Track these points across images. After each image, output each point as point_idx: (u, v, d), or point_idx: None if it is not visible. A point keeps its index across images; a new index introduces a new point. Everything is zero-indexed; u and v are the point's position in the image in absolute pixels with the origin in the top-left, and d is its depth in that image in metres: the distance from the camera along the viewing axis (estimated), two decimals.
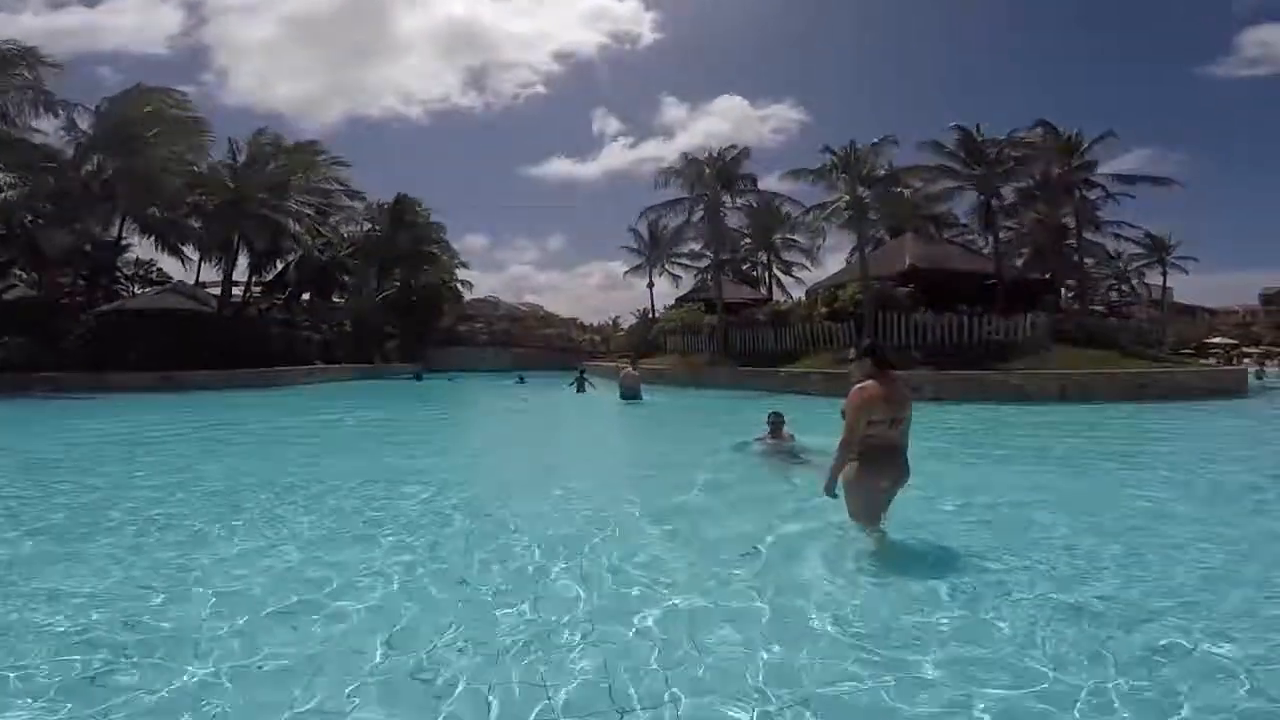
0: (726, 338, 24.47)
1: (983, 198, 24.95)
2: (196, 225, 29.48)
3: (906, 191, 23.42)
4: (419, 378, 32.54)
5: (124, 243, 36.28)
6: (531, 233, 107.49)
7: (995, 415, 13.33)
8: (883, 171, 22.81)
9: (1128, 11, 74.07)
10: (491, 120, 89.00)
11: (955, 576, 3.62)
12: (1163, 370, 18.21)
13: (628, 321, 54.20)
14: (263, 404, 16.80)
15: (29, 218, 23.65)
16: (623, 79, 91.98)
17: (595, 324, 63.22)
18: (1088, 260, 34.21)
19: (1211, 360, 33.06)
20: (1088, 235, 31.18)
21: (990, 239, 25.16)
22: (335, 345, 35.73)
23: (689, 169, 26.48)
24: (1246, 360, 34.84)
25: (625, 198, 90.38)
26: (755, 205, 28.30)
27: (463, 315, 50.38)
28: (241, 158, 27.91)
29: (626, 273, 38.65)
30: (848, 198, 21.36)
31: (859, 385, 3.85)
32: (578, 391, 20.54)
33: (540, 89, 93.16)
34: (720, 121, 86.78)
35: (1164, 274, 45.64)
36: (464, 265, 48.16)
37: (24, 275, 26.89)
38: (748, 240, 35.99)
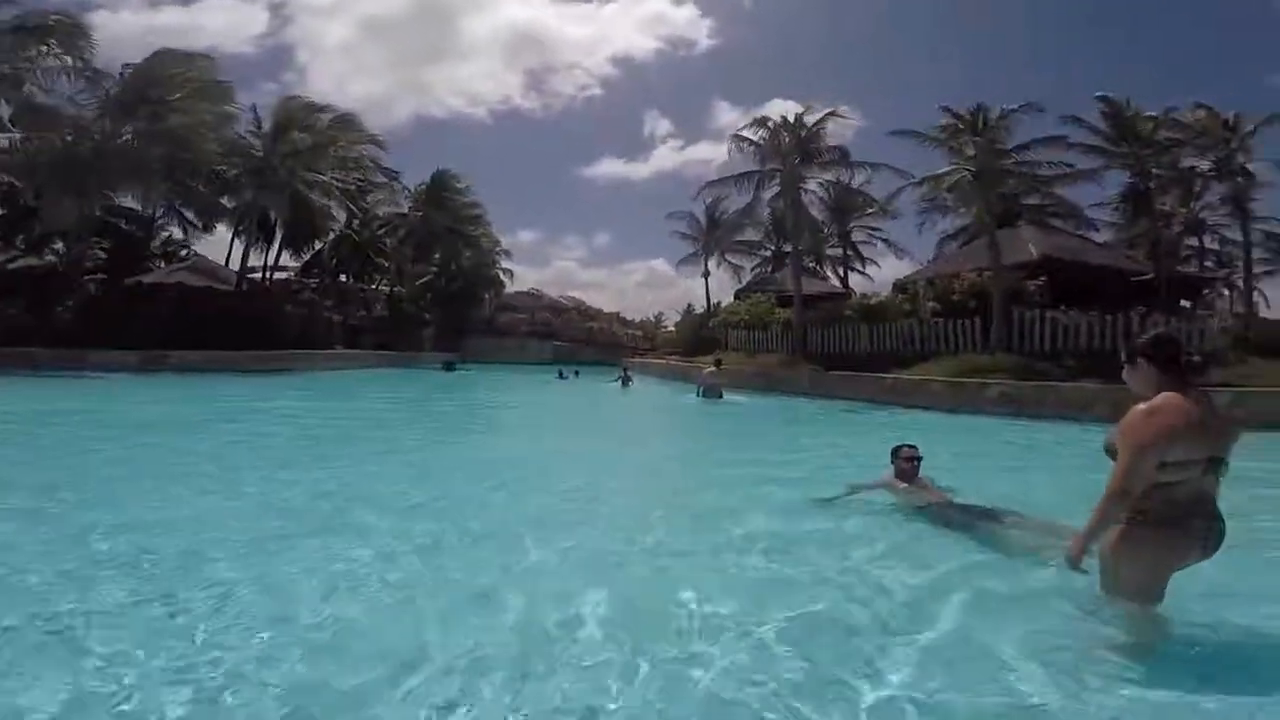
0: (806, 335, 20.54)
1: (1134, 180, 20.44)
2: (223, 201, 27.33)
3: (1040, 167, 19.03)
4: (450, 368, 29.62)
5: (159, 220, 34.96)
6: (580, 230, 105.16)
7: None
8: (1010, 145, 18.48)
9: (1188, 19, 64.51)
10: (549, 121, 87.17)
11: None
12: None
13: (671, 319, 51.34)
14: (227, 392, 13.86)
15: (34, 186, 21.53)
16: (676, 83, 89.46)
17: (637, 320, 60.29)
18: (1208, 262, 29.36)
19: None
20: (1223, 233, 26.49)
21: (1151, 227, 20.57)
22: (367, 331, 33.28)
23: (767, 138, 22.57)
24: None
25: (673, 198, 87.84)
26: (838, 180, 24.17)
27: (504, 305, 47.94)
28: (267, 125, 25.32)
29: (682, 260, 35.10)
30: (972, 168, 17.16)
31: (1149, 407, 2.38)
32: (622, 387, 19.59)
33: (596, 91, 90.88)
34: None
35: None
36: (506, 254, 45.66)
37: (24, 245, 24.69)
38: (826, 226, 31.82)
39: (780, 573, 3.59)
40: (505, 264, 45.56)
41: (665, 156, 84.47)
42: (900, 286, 22.22)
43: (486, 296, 45.30)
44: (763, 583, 3.42)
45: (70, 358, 17.11)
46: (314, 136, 25.92)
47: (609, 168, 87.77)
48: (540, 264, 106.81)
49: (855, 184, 26.92)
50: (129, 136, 22.50)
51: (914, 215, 25.75)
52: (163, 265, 33.26)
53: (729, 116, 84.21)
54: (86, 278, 24.94)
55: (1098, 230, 29.44)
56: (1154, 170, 20.53)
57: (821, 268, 34.47)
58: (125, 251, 29.42)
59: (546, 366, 31.14)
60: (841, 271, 34.04)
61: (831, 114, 23.23)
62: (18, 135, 21.63)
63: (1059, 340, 15.40)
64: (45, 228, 22.06)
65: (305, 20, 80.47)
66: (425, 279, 40.76)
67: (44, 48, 20.60)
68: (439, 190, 36.08)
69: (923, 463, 4.99)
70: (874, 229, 33.78)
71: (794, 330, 21.02)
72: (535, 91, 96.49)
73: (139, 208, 32.22)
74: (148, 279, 25.30)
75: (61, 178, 21.19)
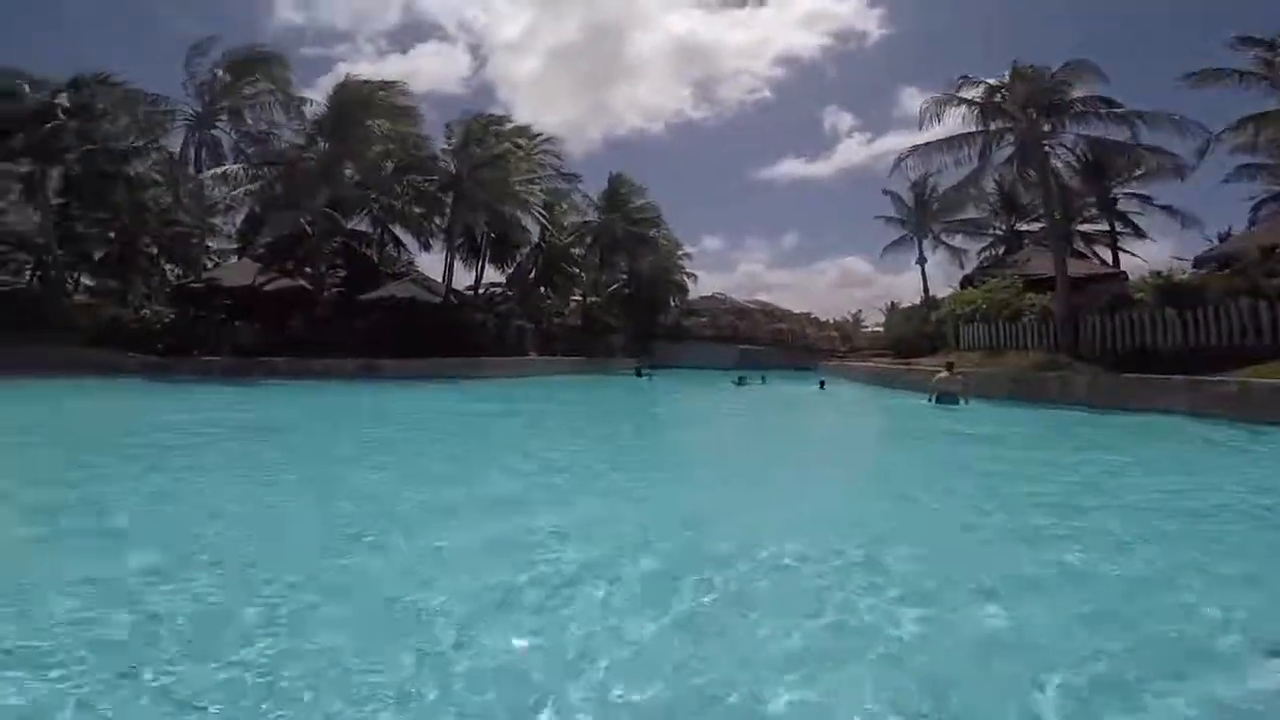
0: (1077, 328, 15.98)
1: None
2: (437, 222, 29.36)
3: None
4: (640, 373, 28.77)
5: (388, 243, 39.09)
6: (764, 233, 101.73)
7: None
8: None
9: None
10: (722, 128, 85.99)
11: None
12: None
13: (873, 318, 46.91)
14: (417, 396, 13.67)
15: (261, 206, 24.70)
16: (853, 76, 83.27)
17: (832, 321, 55.76)
18: None
19: None
20: None
21: None
22: (559, 338, 33.88)
23: (984, 96, 18.31)
24: None
25: (864, 193, 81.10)
26: (1100, 138, 18.88)
27: (689, 310, 47.01)
28: (455, 140, 26.54)
29: (888, 247, 31.06)
30: None
31: None
32: (820, 388, 20.17)
33: (766, 94, 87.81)
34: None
35: None
36: (687, 256, 44.69)
37: (291, 268, 28.06)
38: (1080, 195, 25.86)
39: None
40: (688, 268, 44.65)
41: (851, 151, 78.97)
42: (1223, 260, 16.47)
43: (672, 302, 44.71)
44: None
45: (299, 367, 18.63)
46: (496, 148, 26.68)
47: (789, 168, 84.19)
48: (726, 269, 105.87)
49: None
50: (324, 153, 24.63)
51: (1206, 177, 19.26)
52: (388, 283, 37.01)
53: (918, 102, 75.86)
54: (327, 295, 28.03)
55: None
56: None
57: (1072, 244, 28.04)
58: (360, 271, 32.95)
59: (732, 371, 29.14)
60: (1104, 249, 27.43)
61: (1076, 63, 18.13)
62: (245, 163, 25.09)
63: None
64: (273, 232, 25.11)
65: (500, 57, 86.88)
66: (614, 286, 41.00)
67: (256, 82, 23.22)
68: (615, 192, 35.97)
69: None
70: (1145, 195, 26.78)
71: (1057, 321, 16.51)
72: (705, 101, 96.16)
73: (370, 231, 36.40)
74: (366, 295, 27.64)
75: (280, 197, 23.94)
